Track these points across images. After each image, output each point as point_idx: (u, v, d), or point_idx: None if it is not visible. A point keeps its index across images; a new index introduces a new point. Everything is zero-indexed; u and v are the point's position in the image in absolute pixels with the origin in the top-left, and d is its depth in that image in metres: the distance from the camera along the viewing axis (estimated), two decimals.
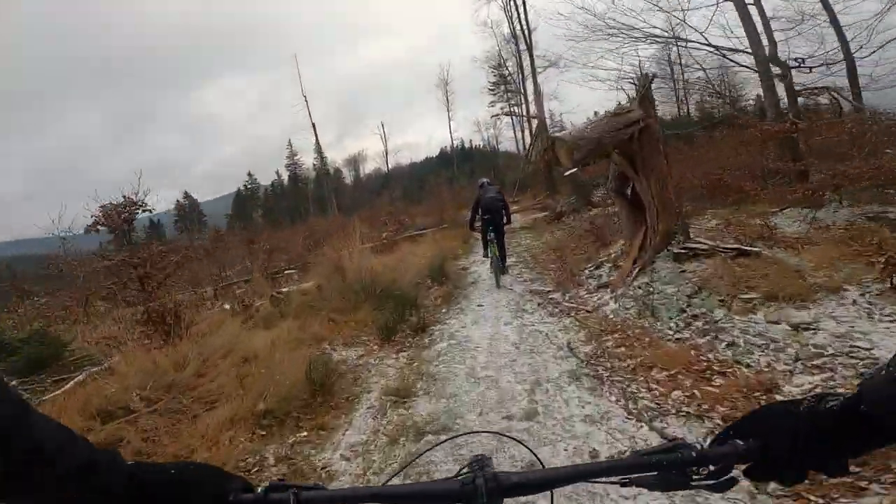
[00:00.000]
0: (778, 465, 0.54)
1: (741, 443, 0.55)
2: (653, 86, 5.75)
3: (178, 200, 57.83)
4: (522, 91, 27.68)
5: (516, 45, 26.27)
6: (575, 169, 13.73)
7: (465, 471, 0.59)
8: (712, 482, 0.55)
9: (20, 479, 0.44)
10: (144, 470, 0.54)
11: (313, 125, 32.66)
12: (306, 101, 32.86)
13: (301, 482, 0.58)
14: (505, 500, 0.56)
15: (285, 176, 61.86)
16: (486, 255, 8.15)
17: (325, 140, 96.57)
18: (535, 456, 0.79)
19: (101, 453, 0.51)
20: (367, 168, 64.17)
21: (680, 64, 35.85)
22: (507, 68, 31.26)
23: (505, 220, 8.01)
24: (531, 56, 22.03)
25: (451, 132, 43.11)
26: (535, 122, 19.97)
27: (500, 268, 7.59)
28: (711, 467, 0.55)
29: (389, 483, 0.63)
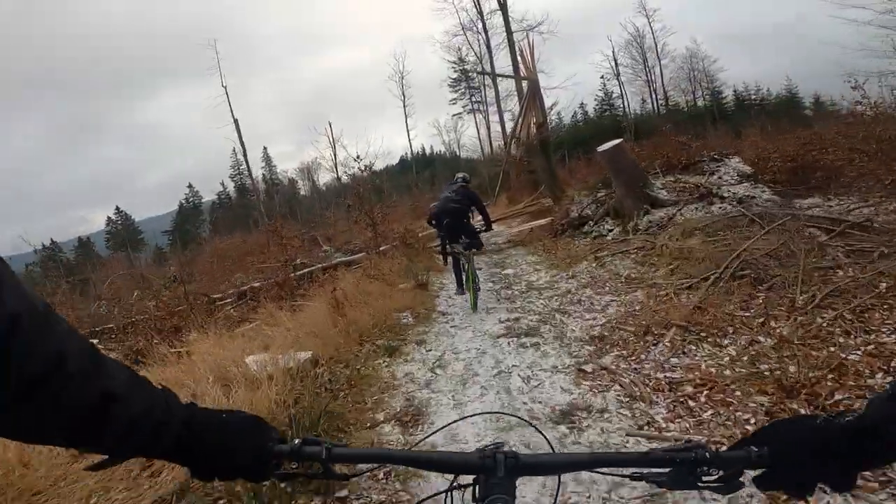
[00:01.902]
0: (787, 476, 0.51)
1: (755, 449, 0.51)
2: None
3: (108, 217, 50.27)
4: (488, 66, 21.52)
5: (479, 9, 20.10)
6: (620, 140, 6.36)
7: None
8: (719, 485, 0.52)
9: (95, 422, 0.45)
10: (197, 413, 0.53)
11: (235, 121, 25.33)
12: (227, 93, 25.58)
13: (332, 441, 0.56)
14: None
15: (231, 187, 54.30)
16: (459, 292, 5.27)
17: (287, 150, 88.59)
18: (548, 442, 0.72)
19: (160, 395, 0.51)
20: (328, 177, 57.17)
21: (656, 49, 30.99)
22: (470, 47, 24.77)
23: (482, 227, 5.51)
24: (505, 16, 15.81)
25: (407, 131, 36.27)
26: (512, 101, 13.63)
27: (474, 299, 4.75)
28: (722, 471, 0.52)
29: (414, 449, 0.64)
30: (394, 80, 33.70)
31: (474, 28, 23.58)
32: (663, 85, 30.81)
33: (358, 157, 7.88)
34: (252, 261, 13.92)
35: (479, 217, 5.84)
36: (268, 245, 13.11)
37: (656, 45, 29.59)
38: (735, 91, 32.38)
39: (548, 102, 11.59)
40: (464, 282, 5.01)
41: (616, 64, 31.46)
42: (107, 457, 0.49)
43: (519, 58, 12.04)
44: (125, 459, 0.50)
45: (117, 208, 50.62)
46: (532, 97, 10.55)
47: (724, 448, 0.54)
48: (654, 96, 31.85)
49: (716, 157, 7.39)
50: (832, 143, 6.25)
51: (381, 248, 7.61)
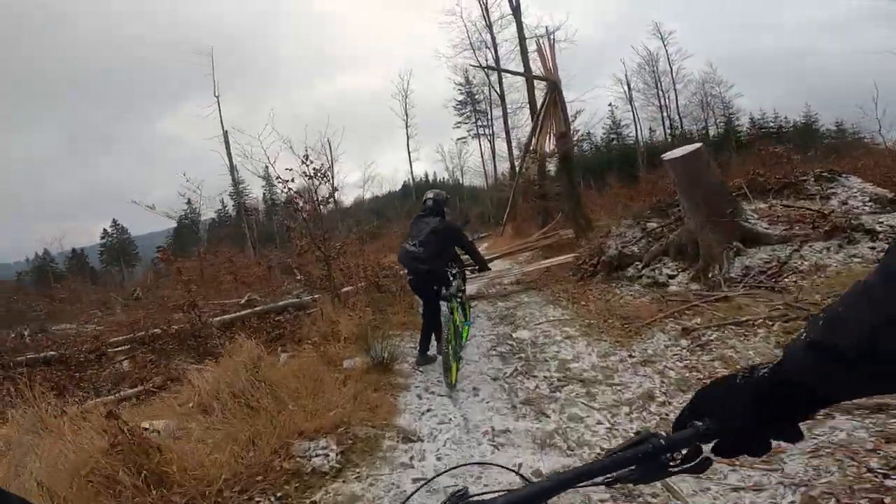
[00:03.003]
0: (738, 440, 0.50)
1: (700, 423, 0.50)
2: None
3: (104, 230, 48.90)
4: (497, 85, 19.80)
5: (487, 20, 18.49)
6: (699, 145, 2.44)
7: None
8: (688, 465, 0.50)
9: None
10: None
11: (225, 133, 23.60)
12: (219, 104, 23.96)
13: None
14: None
15: (231, 205, 53.28)
16: (423, 360, 3.80)
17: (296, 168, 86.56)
18: (522, 477, 0.66)
19: None
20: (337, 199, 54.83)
21: (670, 70, 28.79)
22: (476, 59, 22.74)
23: (474, 269, 4.34)
24: (518, 20, 13.99)
25: (409, 152, 34.35)
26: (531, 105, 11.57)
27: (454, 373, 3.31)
28: (683, 452, 0.51)
29: None
30: (397, 98, 32.11)
31: (483, 45, 21.90)
32: (678, 111, 28.78)
33: (306, 157, 5.58)
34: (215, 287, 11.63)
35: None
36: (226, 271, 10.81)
37: (671, 69, 27.76)
38: (752, 118, 30.35)
39: (570, 111, 9.43)
40: (442, 343, 3.39)
41: (629, 88, 29.41)
42: None
43: (536, 59, 10.00)
44: None
45: (114, 221, 49.26)
46: (552, 102, 8.44)
47: (671, 430, 0.53)
48: (666, 123, 29.80)
49: (825, 174, 5.11)
50: None
51: (342, 290, 5.26)
